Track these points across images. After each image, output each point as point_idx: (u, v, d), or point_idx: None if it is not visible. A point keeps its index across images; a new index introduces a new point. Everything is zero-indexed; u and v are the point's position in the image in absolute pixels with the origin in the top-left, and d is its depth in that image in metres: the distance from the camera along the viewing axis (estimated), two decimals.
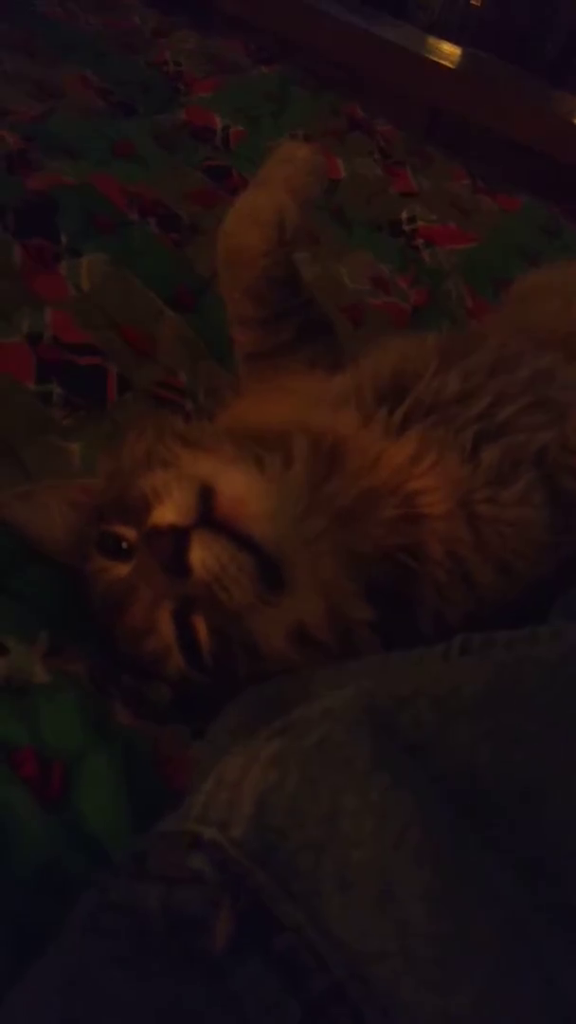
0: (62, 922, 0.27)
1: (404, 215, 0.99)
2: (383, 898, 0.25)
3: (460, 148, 1.18)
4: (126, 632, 0.45)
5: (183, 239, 0.82)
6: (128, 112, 1.02)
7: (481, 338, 0.58)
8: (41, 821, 0.38)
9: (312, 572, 0.44)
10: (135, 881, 0.27)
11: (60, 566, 0.50)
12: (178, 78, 1.13)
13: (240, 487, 0.43)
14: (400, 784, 0.28)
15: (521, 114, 1.25)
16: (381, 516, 0.47)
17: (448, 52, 1.35)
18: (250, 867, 0.26)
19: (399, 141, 1.13)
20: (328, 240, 0.90)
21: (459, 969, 0.24)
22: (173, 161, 0.93)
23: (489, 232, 1.01)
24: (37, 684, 0.43)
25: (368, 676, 0.39)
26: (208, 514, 0.42)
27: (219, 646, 0.43)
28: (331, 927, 0.24)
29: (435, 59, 1.29)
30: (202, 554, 0.41)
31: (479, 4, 1.56)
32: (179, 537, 0.41)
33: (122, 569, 0.45)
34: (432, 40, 1.39)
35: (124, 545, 0.45)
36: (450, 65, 1.30)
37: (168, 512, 0.42)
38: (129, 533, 0.45)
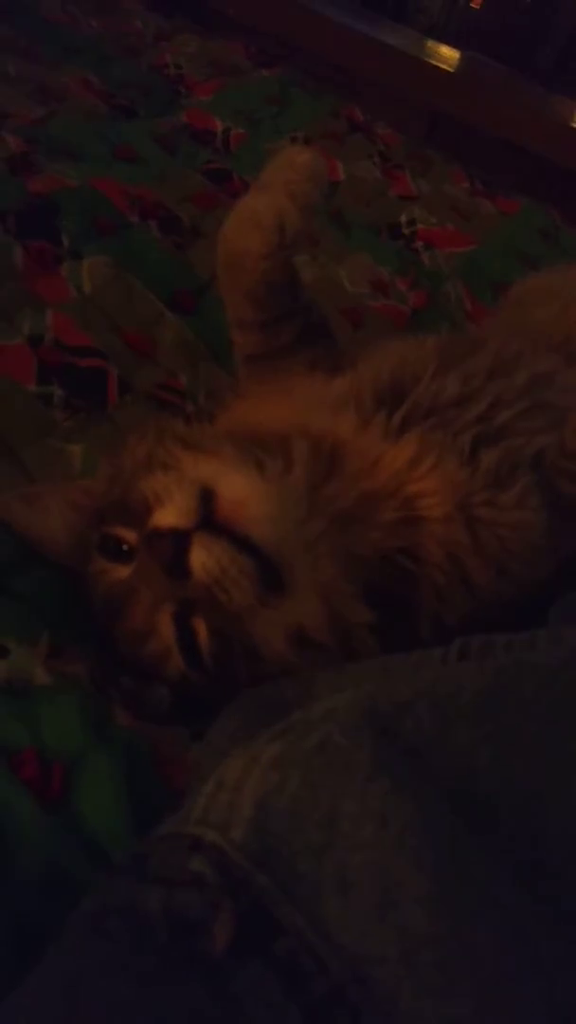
0: (63, 923, 0.27)
1: (403, 218, 0.99)
2: (383, 901, 0.25)
3: (459, 151, 1.19)
4: (126, 634, 0.45)
5: (184, 242, 0.82)
6: (129, 115, 1.02)
7: (480, 341, 0.58)
8: (41, 822, 0.38)
9: (312, 574, 0.44)
10: (136, 883, 0.27)
11: (61, 568, 0.50)
12: (179, 81, 1.14)
13: (240, 490, 0.43)
14: (400, 787, 0.28)
15: (520, 117, 1.25)
16: (380, 519, 0.47)
17: (447, 56, 1.35)
18: (251, 870, 0.26)
19: (399, 144, 1.13)
20: (328, 243, 0.90)
21: (459, 973, 0.24)
22: (174, 164, 0.94)
23: (488, 235, 1.01)
24: (38, 686, 0.43)
25: (368, 679, 0.39)
26: (208, 517, 0.42)
27: (219, 648, 0.43)
28: (331, 930, 0.24)
29: (434, 63, 1.30)
30: (202, 556, 0.41)
31: (478, 8, 1.57)
32: (180, 539, 0.41)
33: (123, 571, 0.45)
34: (431, 44, 1.40)
35: (125, 547, 0.46)
36: (449, 69, 1.30)
37: (169, 514, 0.42)
38: (130, 535, 0.45)
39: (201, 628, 0.43)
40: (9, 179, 0.78)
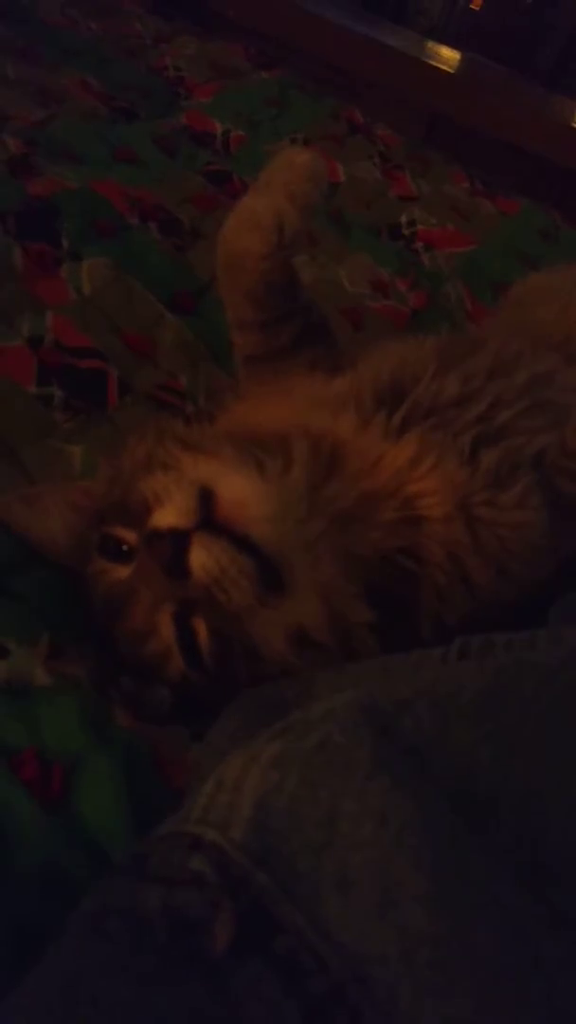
0: (62, 923, 0.27)
1: (403, 219, 1.00)
2: (383, 901, 0.25)
3: (459, 152, 1.19)
4: (126, 634, 0.45)
5: (184, 243, 0.82)
6: (129, 117, 1.03)
7: (480, 341, 0.58)
8: (41, 822, 0.38)
9: (312, 574, 0.44)
10: (136, 883, 0.27)
11: (61, 568, 0.50)
12: (179, 83, 1.14)
13: (240, 490, 0.43)
14: (400, 787, 0.28)
15: (520, 118, 1.26)
16: (380, 519, 0.47)
17: (447, 57, 1.35)
18: (250, 869, 0.26)
19: (399, 145, 1.13)
20: (328, 243, 0.90)
21: (459, 973, 0.24)
22: (174, 166, 0.94)
23: (488, 235, 1.01)
24: (38, 686, 0.43)
25: (368, 679, 0.39)
26: (208, 517, 0.42)
27: (219, 648, 0.43)
28: (331, 929, 0.24)
29: (435, 64, 1.30)
30: (202, 557, 0.41)
31: (478, 9, 1.57)
32: (179, 540, 0.41)
33: (122, 571, 0.45)
34: (432, 45, 1.40)
35: (124, 547, 0.46)
36: (449, 70, 1.31)
37: (168, 515, 0.42)
38: (129, 536, 0.45)
39: (201, 628, 0.43)
40: (9, 181, 0.78)
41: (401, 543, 0.47)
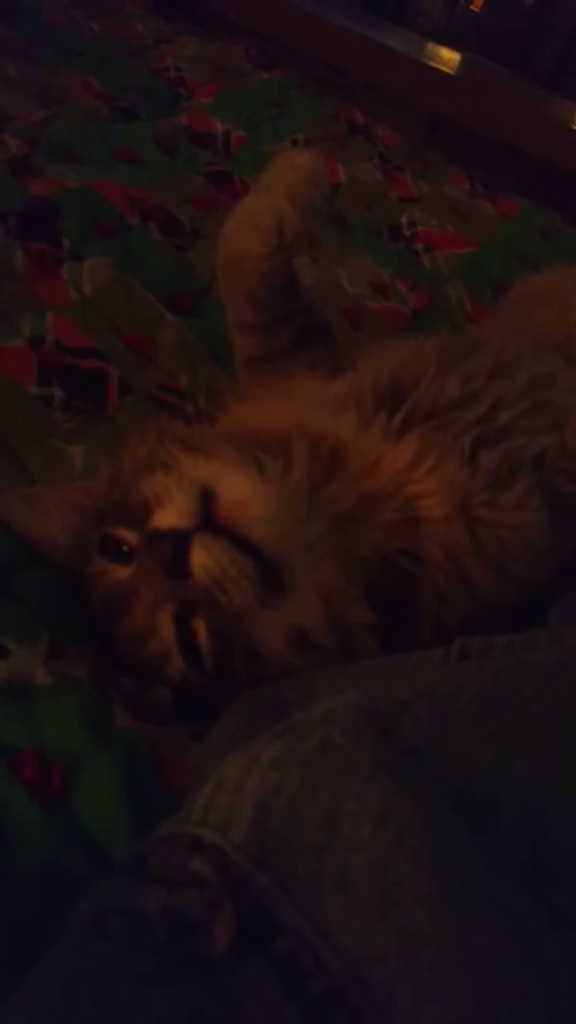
0: (62, 924, 0.27)
1: (404, 220, 1.00)
2: (383, 901, 0.25)
3: (459, 153, 1.19)
4: (126, 634, 0.45)
5: (184, 244, 0.82)
6: (130, 117, 1.03)
7: (480, 342, 0.58)
8: (41, 823, 0.38)
9: (312, 575, 0.44)
10: (136, 883, 0.27)
11: (61, 568, 0.50)
12: (179, 83, 1.14)
13: (240, 490, 0.43)
14: (400, 787, 0.28)
15: (520, 119, 1.26)
16: (380, 520, 0.47)
17: (448, 58, 1.36)
18: (250, 870, 0.26)
19: (399, 146, 1.13)
20: (328, 244, 0.90)
21: (459, 973, 0.24)
22: (174, 166, 0.94)
23: (488, 237, 1.01)
24: (38, 686, 0.43)
25: (368, 680, 0.39)
26: (209, 517, 0.42)
27: (219, 649, 0.43)
28: (331, 930, 0.24)
29: (435, 65, 1.30)
30: (202, 557, 0.41)
31: (478, 11, 1.58)
32: (180, 540, 0.41)
33: (123, 572, 0.45)
34: (432, 46, 1.41)
35: (125, 548, 0.46)
36: (449, 71, 1.31)
37: (169, 515, 0.42)
38: (130, 536, 0.45)
39: (201, 629, 0.43)
40: (10, 181, 0.78)
41: (401, 544, 0.47)
